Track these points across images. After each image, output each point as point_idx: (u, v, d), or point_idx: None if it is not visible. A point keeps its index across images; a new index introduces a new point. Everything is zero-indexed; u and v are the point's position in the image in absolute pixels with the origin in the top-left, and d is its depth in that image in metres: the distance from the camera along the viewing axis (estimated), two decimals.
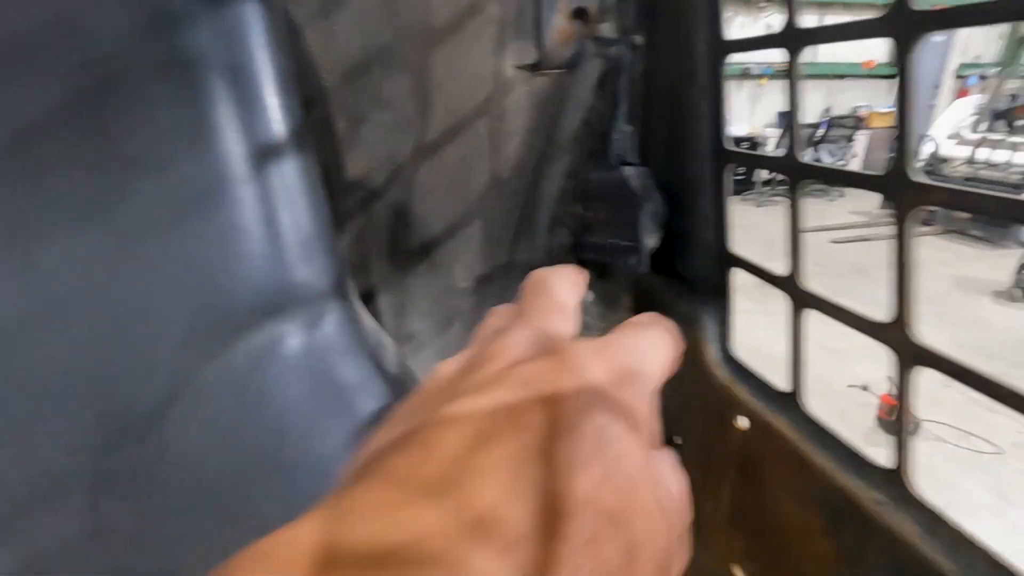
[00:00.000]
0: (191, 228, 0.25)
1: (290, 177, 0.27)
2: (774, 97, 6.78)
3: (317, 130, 0.43)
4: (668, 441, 0.52)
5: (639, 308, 0.54)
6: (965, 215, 4.69)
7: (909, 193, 0.27)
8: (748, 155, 0.39)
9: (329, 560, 0.13)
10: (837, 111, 6.79)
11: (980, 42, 6.94)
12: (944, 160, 4.88)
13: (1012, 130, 5.14)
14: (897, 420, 0.29)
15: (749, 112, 6.84)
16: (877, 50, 6.83)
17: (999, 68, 6.04)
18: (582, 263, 0.51)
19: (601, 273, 0.51)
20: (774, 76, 6.61)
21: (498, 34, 0.45)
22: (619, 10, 0.46)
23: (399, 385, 0.31)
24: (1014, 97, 5.53)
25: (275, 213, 0.26)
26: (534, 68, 0.46)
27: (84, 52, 0.24)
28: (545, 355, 0.20)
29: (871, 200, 5.98)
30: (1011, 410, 0.24)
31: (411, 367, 0.36)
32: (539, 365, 0.19)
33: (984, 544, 0.26)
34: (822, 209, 5.94)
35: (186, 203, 0.24)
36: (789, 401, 0.37)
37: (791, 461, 0.36)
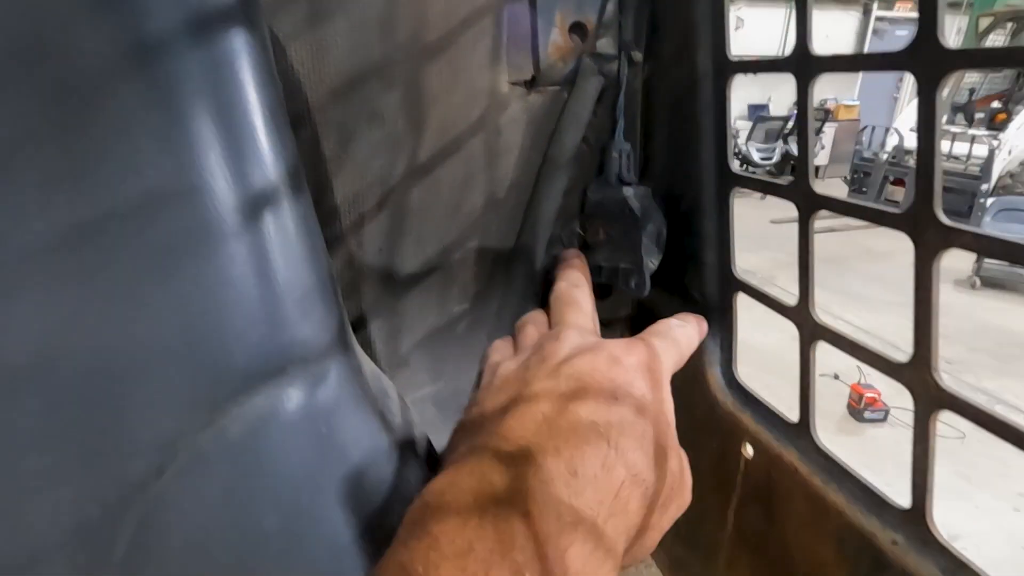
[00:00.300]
0: (180, 286, 0.22)
1: (287, 226, 0.24)
2: (746, 90, 6.87)
3: (306, 150, 0.41)
4: None
5: (639, 327, 0.53)
6: None
7: (934, 235, 0.26)
8: (754, 180, 0.38)
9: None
10: None
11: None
12: (908, 152, 5.02)
13: (971, 123, 5.31)
14: (917, 466, 0.28)
15: None
16: (844, 46, 6.97)
17: None
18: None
19: (603, 294, 0.50)
20: None
21: (494, 49, 0.43)
22: (618, 25, 0.45)
23: (403, 436, 0.29)
24: (972, 91, 5.72)
25: (272, 267, 0.24)
26: (531, 84, 0.45)
27: (62, 82, 0.22)
28: (588, 351, 0.31)
29: (839, 192, 6.13)
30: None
31: (409, 406, 0.34)
32: (588, 358, 0.30)
33: None
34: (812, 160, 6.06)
35: (174, 259, 0.22)
36: (799, 432, 0.37)
37: (801, 493, 0.35)
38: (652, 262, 0.44)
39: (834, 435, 2.70)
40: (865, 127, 5.95)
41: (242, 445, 0.23)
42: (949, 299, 3.89)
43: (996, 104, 5.55)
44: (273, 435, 0.23)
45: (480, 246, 0.48)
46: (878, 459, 2.52)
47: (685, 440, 0.51)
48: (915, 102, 0.27)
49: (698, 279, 0.45)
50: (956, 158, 4.81)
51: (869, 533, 0.30)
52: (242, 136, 0.23)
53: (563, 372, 0.28)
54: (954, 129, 5.07)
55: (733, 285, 0.42)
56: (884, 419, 2.72)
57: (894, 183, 5.08)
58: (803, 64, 0.33)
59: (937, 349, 0.27)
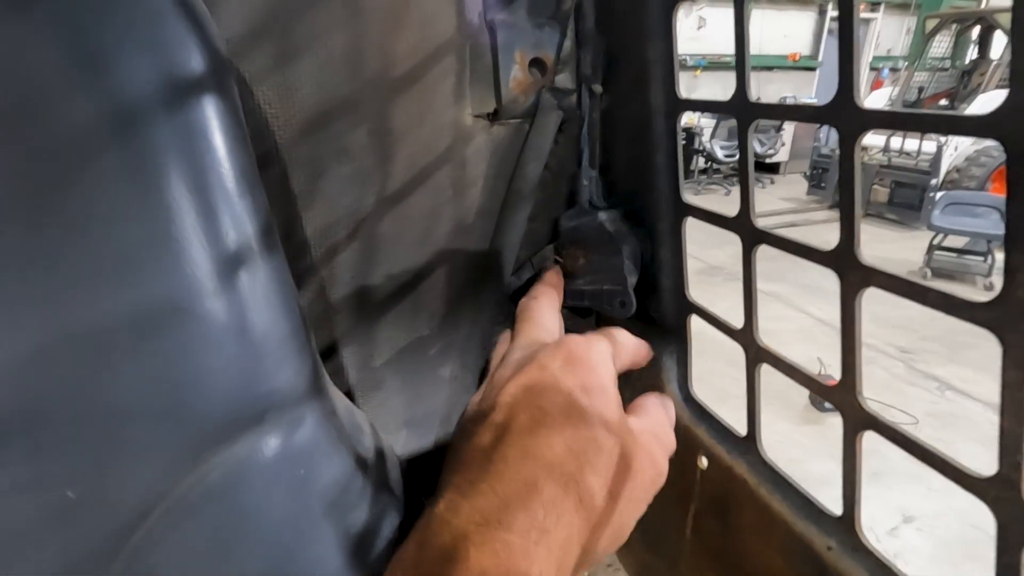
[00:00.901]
0: (160, 346, 0.24)
1: (261, 281, 0.26)
2: (709, 88, 7.02)
3: (275, 188, 0.42)
4: None
5: None
6: (883, 200, 5.04)
7: (857, 274, 0.29)
8: (705, 212, 0.41)
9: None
10: (765, 101, 7.09)
11: (891, 36, 7.42)
12: (864, 148, 5.21)
13: None
14: (847, 479, 0.31)
15: None
16: (801, 44, 7.18)
17: (907, 62, 6.50)
18: (570, 310, 0.51)
19: (584, 313, 0.52)
20: (707, 68, 6.83)
21: (458, 85, 0.45)
22: (577, 60, 0.47)
23: (378, 471, 0.31)
24: (921, 89, 5.97)
25: (248, 322, 0.25)
26: (494, 117, 0.47)
27: (39, 149, 0.23)
28: (523, 371, 0.34)
29: (800, 187, 6.33)
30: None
31: (382, 436, 0.36)
32: (521, 379, 0.34)
33: None
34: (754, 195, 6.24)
35: (154, 322, 0.23)
36: (747, 445, 0.40)
37: (751, 504, 0.38)
38: (633, 281, 0.47)
39: (797, 425, 2.80)
40: (822, 125, 6.15)
41: (223, 491, 0.24)
42: None
43: (943, 102, 5.82)
44: (253, 480, 0.25)
45: (449, 273, 0.50)
46: (838, 447, 2.64)
47: None
48: (867, 100, 0.29)
49: (656, 302, 0.47)
50: (907, 154, 5.03)
51: (808, 540, 0.34)
52: (216, 200, 0.25)
53: (500, 402, 0.31)
54: None
55: (687, 308, 0.45)
56: None
57: None
58: (743, 109, 0.36)
59: (861, 375, 0.30)
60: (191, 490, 0.24)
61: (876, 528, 2.23)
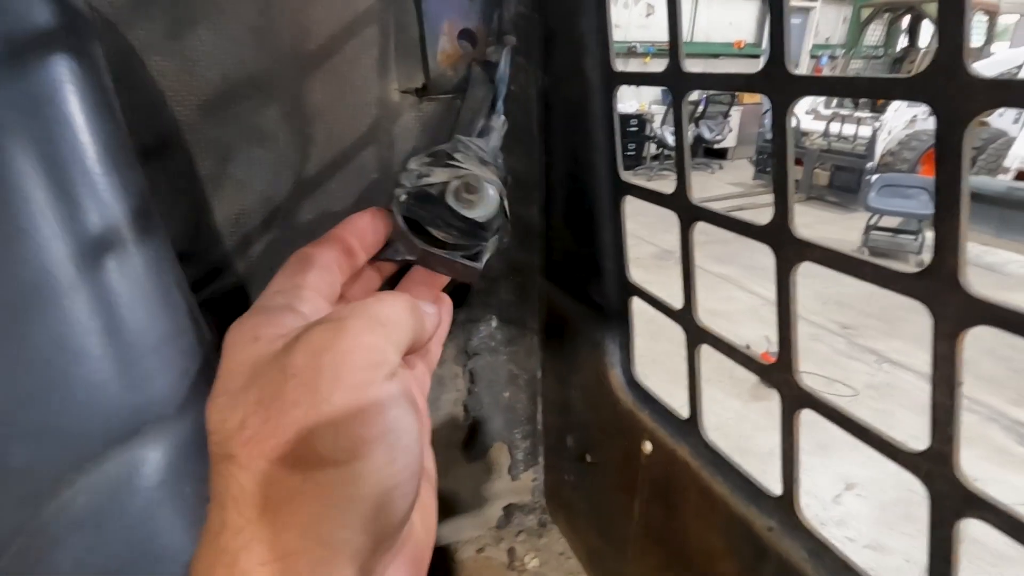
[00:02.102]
0: (8, 349, 0.20)
1: (135, 271, 0.22)
2: None
3: (177, 170, 0.38)
4: (581, 457, 0.54)
5: (549, 332, 0.54)
6: (823, 183, 5.25)
7: (792, 249, 0.28)
8: (642, 189, 0.39)
9: None
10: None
11: (830, 25, 7.70)
12: (805, 134, 5.40)
13: (856, 106, 5.80)
14: (785, 457, 0.31)
15: (636, 91, 7.13)
16: (746, 32, 7.36)
17: (844, 50, 6.77)
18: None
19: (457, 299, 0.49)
20: (657, 55, 6.92)
21: (381, 58, 0.42)
22: (497, 22, 0.44)
23: None
24: (856, 76, 6.21)
25: (118, 319, 0.22)
26: (422, 92, 0.44)
27: None
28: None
29: (746, 172, 6.52)
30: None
31: None
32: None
33: (862, 569, 0.28)
34: (703, 181, 6.38)
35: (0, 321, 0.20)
36: (689, 428, 0.39)
37: (693, 486, 0.37)
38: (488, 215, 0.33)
39: (747, 402, 2.90)
40: (768, 110, 6.34)
41: (93, 517, 0.21)
42: None
43: None
44: (129, 503, 0.21)
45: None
46: None
47: (594, 440, 0.53)
48: None
49: (598, 286, 0.46)
50: (845, 139, 5.25)
51: (748, 521, 0.33)
52: (72, 178, 0.21)
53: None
54: (843, 112, 5.52)
55: (628, 290, 0.44)
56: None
57: (794, 163, 5.47)
58: (678, 79, 0.34)
59: (798, 354, 0.30)
60: (54, 519, 0.20)
61: (822, 496, 2.33)
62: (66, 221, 0.21)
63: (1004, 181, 4.36)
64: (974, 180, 4.42)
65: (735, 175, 6.71)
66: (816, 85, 0.27)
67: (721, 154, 7.03)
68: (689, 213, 0.35)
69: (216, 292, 0.41)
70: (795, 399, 0.30)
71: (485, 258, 0.33)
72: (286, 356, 0.21)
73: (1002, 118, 5.32)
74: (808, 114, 5.66)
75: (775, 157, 0.28)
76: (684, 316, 0.37)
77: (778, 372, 0.30)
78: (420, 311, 0.26)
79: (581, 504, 0.55)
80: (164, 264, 0.24)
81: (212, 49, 0.37)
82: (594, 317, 0.48)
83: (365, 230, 0.32)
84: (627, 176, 0.41)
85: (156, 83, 0.36)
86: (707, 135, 6.48)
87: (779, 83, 0.27)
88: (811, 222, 5.14)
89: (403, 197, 0.33)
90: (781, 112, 0.27)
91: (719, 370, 3.14)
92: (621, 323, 0.45)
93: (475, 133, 0.43)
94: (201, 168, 0.38)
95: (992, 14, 5.77)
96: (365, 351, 0.22)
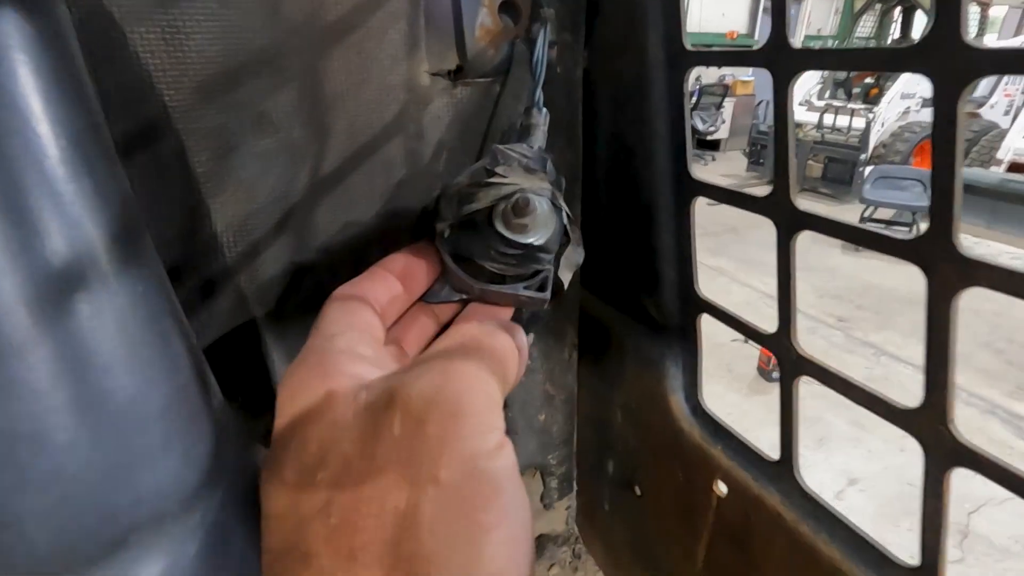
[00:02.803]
0: None
1: (115, 313, 0.16)
2: None
3: (168, 167, 0.31)
4: (625, 486, 0.48)
5: (588, 346, 0.48)
6: (816, 174, 5.24)
7: (792, 218, 0.28)
8: (722, 190, 0.33)
9: None
10: (706, 80, 7.22)
11: (822, 16, 7.68)
12: (799, 126, 5.38)
13: (849, 98, 5.79)
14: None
15: None
16: (739, 23, 7.32)
17: (836, 41, 6.75)
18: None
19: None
20: None
21: (410, 34, 0.36)
22: None
23: None
24: (855, 48, 6.21)
25: (94, 384, 0.15)
26: (456, 75, 0.37)
27: None
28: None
29: (739, 164, 6.49)
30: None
31: None
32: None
33: None
34: (696, 171, 6.36)
35: None
36: (780, 471, 0.33)
37: (785, 540, 0.32)
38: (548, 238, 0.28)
39: (747, 396, 2.88)
40: (761, 101, 6.32)
41: None
42: (836, 262, 4.26)
43: (869, 80, 6.08)
44: None
45: None
46: None
47: (645, 471, 0.47)
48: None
49: (655, 298, 0.40)
50: (838, 130, 5.23)
51: None
52: (22, 186, 0.15)
53: None
54: (836, 103, 5.50)
55: (696, 305, 0.38)
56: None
57: None
58: (784, 58, 0.28)
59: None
60: None
61: (825, 492, 2.32)
62: (15, 249, 0.14)
63: (997, 173, 4.37)
64: (967, 172, 4.42)
65: (728, 166, 6.69)
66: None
67: (714, 145, 7.01)
68: (791, 220, 0.29)
69: (215, 315, 0.34)
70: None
71: (553, 282, 0.28)
72: (376, 418, 0.16)
73: (993, 110, 5.34)
74: (801, 105, 5.64)
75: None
76: (779, 342, 0.31)
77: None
78: (524, 346, 0.20)
79: (623, 536, 0.50)
80: (157, 300, 0.18)
81: (210, 20, 0.30)
82: (648, 333, 0.42)
83: (410, 269, 0.27)
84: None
85: (142, 61, 0.29)
86: (700, 126, 6.45)
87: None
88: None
89: (446, 232, 0.28)
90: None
91: (719, 365, 3.13)
92: (685, 342, 0.39)
93: (516, 132, 0.37)
94: (197, 164, 0.32)
95: (985, 5, 5.78)
96: (477, 413, 0.17)
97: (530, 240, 0.27)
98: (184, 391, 0.18)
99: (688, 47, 0.34)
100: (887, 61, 0.25)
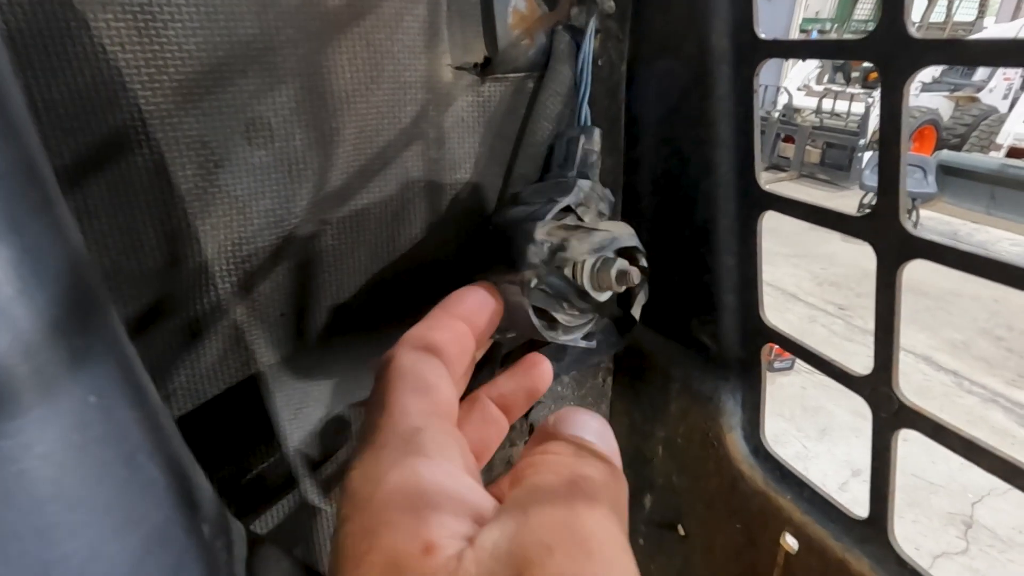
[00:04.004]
0: None
1: (51, 449, 0.11)
2: None
3: (138, 184, 0.26)
4: (666, 526, 0.44)
5: (625, 372, 0.43)
6: (815, 160, 5.19)
7: (901, 245, 0.25)
8: (801, 204, 0.28)
9: None
10: None
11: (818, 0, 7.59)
12: (797, 110, 5.32)
13: (848, 82, 5.73)
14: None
15: None
16: None
17: (835, 24, 6.67)
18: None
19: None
20: None
21: (428, 21, 0.30)
22: None
23: None
24: (820, 39, 6.19)
25: (24, 564, 0.11)
26: (484, 69, 0.32)
27: None
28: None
29: None
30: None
31: None
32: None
33: None
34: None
35: None
36: (870, 533, 0.29)
37: None
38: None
39: None
40: (760, 86, 6.23)
41: None
42: (835, 248, 4.23)
43: (868, 64, 6.01)
44: None
45: (428, 292, 0.36)
46: (788, 404, 2.72)
47: (692, 512, 0.43)
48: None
49: (711, 324, 0.35)
50: (837, 115, 5.17)
51: None
52: None
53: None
54: (835, 88, 5.44)
55: (761, 334, 0.33)
56: (791, 367, 2.91)
57: (785, 140, 5.39)
58: (899, 50, 0.23)
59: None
60: None
61: (829, 484, 2.31)
62: None
63: (996, 159, 4.34)
64: (965, 157, 4.40)
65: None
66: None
67: None
68: (900, 247, 0.24)
69: (204, 363, 0.29)
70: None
71: (626, 321, 0.27)
72: None
73: (992, 94, 5.29)
74: (800, 90, 5.58)
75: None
76: (874, 387, 0.26)
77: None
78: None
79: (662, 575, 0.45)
80: (119, 407, 0.13)
81: (191, 5, 0.25)
82: (699, 363, 0.37)
83: (478, 314, 0.22)
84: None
85: (109, 56, 0.24)
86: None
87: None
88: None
89: (533, 281, 0.24)
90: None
91: None
92: (746, 376, 0.34)
93: (563, 147, 0.32)
94: (181, 181, 0.26)
95: None
96: (628, 561, 0.12)
97: (604, 297, 0.26)
98: (163, 533, 0.13)
99: (761, 36, 0.29)
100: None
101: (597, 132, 0.31)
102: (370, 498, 0.13)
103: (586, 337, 0.28)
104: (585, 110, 0.32)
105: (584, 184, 0.28)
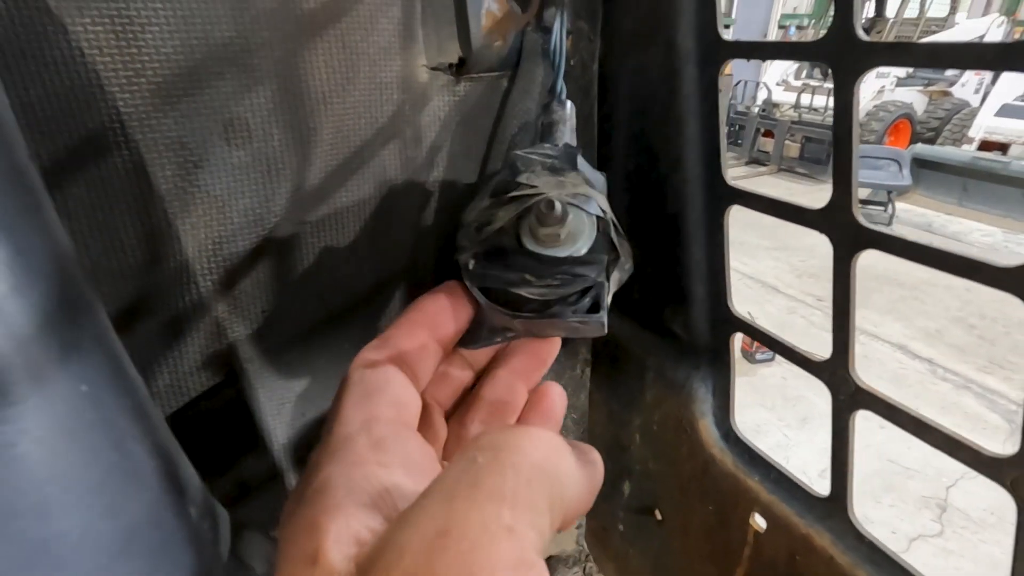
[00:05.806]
0: None
1: (46, 434, 0.12)
2: None
3: (119, 185, 0.26)
4: (644, 511, 0.45)
5: (602, 363, 0.44)
6: (794, 154, 5.27)
7: (855, 236, 0.26)
8: (763, 198, 0.30)
9: None
10: None
11: None
12: (776, 105, 5.40)
13: (825, 77, 5.82)
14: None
15: None
16: None
17: (812, 19, 6.76)
18: None
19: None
20: None
21: (404, 23, 0.31)
22: None
23: None
24: (781, 41, 6.29)
25: (24, 538, 0.11)
26: (459, 69, 0.33)
27: None
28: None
29: None
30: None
31: None
32: None
33: None
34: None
35: None
36: (831, 509, 0.30)
37: None
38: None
39: None
40: (738, 82, 6.31)
41: None
42: (814, 240, 4.28)
43: None
44: None
45: (407, 288, 0.36)
46: (769, 395, 2.77)
47: (668, 497, 0.44)
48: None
49: (682, 314, 0.36)
50: (815, 110, 5.25)
51: None
52: None
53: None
54: (812, 83, 5.52)
55: (729, 323, 0.34)
56: (772, 359, 2.97)
57: (765, 135, 5.46)
58: (849, 51, 0.24)
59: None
60: None
61: (808, 472, 2.36)
62: None
63: (968, 152, 4.44)
64: (939, 151, 4.50)
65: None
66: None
67: None
68: (854, 238, 0.26)
69: (186, 360, 0.30)
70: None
71: (608, 301, 0.23)
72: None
73: (964, 88, 5.42)
74: (779, 85, 5.65)
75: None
76: (832, 371, 0.28)
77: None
78: (596, 460, 0.16)
79: (641, 561, 0.47)
80: (109, 395, 0.13)
81: (168, 8, 0.25)
82: (672, 352, 0.38)
83: (439, 315, 0.23)
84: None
85: (87, 60, 0.24)
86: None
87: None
88: (782, 193, 5.13)
89: (470, 263, 0.23)
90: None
91: None
92: (716, 363, 0.36)
93: (535, 133, 0.33)
94: (160, 180, 0.27)
95: None
96: (503, 549, 0.12)
97: (568, 252, 0.23)
98: (151, 513, 0.14)
99: (724, 37, 0.30)
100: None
101: (558, 103, 0.30)
102: (291, 513, 0.14)
103: (592, 308, 0.24)
104: (560, 86, 0.30)
105: (518, 152, 0.26)
